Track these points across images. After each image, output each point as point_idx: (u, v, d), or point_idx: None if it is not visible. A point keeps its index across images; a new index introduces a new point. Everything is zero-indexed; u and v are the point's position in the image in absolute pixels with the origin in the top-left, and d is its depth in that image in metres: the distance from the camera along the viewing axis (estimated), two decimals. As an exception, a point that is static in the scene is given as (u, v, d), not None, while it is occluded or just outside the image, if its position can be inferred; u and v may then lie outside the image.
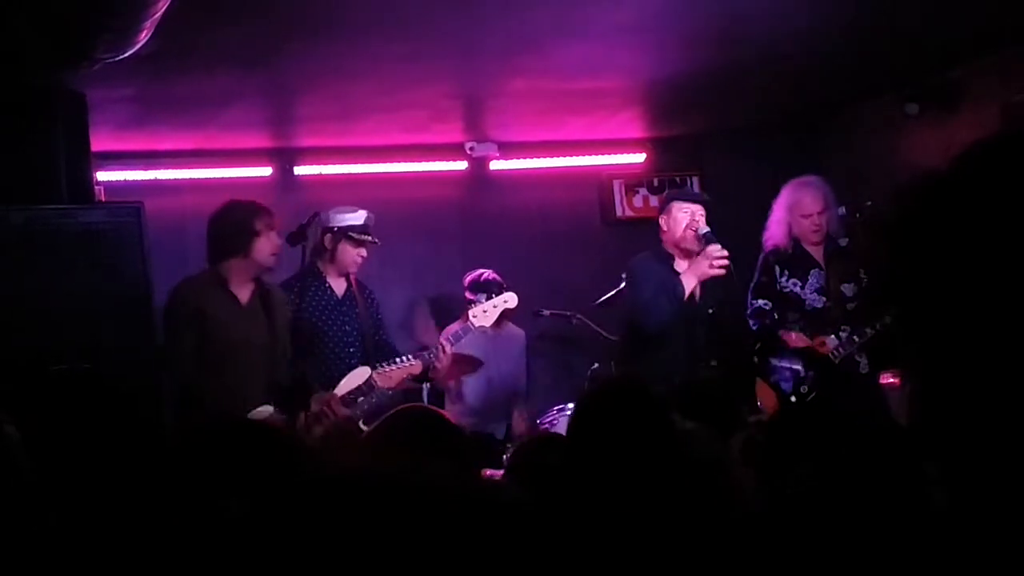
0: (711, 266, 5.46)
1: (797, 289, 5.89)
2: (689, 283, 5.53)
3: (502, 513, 0.93)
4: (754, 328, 5.95)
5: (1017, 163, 0.98)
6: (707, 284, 5.70)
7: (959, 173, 1.01)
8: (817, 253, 5.93)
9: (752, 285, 6.00)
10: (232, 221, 5.02)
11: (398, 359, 5.37)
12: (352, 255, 5.59)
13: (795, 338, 5.79)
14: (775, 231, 5.98)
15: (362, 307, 5.62)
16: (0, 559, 1.75)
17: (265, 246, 5.01)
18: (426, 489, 0.93)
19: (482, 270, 6.72)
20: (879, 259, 1.06)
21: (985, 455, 0.95)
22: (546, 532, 0.97)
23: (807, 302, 5.87)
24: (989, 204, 0.96)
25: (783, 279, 5.92)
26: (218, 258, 5.05)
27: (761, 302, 5.93)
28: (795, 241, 5.95)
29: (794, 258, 5.93)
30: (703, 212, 5.70)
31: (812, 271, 5.88)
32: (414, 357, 5.38)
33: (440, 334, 6.15)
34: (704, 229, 5.61)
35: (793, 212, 5.92)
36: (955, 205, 0.98)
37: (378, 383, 5.26)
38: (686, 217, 5.66)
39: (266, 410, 4.90)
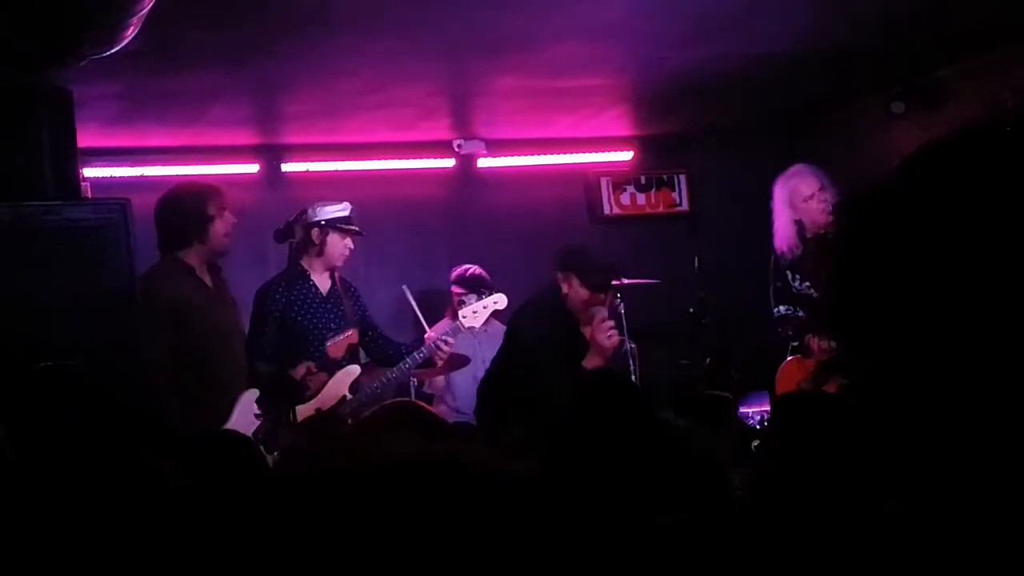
0: (608, 339, 5.04)
1: (812, 292, 5.71)
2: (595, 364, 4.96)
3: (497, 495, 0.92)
4: (783, 335, 5.82)
5: (963, 168, 0.94)
6: None
7: (902, 182, 0.97)
8: None
9: (771, 291, 5.88)
10: (185, 208, 4.92)
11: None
12: (340, 247, 5.60)
13: (815, 347, 5.59)
14: (782, 231, 5.80)
15: (348, 304, 5.63)
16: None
17: (220, 228, 4.91)
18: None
19: (468, 265, 6.72)
20: (824, 276, 1.03)
21: (932, 474, 0.94)
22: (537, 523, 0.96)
23: None
24: (934, 214, 0.92)
25: (795, 283, 5.79)
26: (175, 246, 4.94)
27: (783, 308, 5.81)
28: (803, 238, 5.76)
29: (804, 259, 5.74)
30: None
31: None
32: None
33: (427, 331, 6.14)
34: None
35: (794, 202, 5.74)
36: (899, 216, 0.94)
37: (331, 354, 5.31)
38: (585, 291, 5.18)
39: (253, 393, 4.89)
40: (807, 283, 5.75)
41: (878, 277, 0.94)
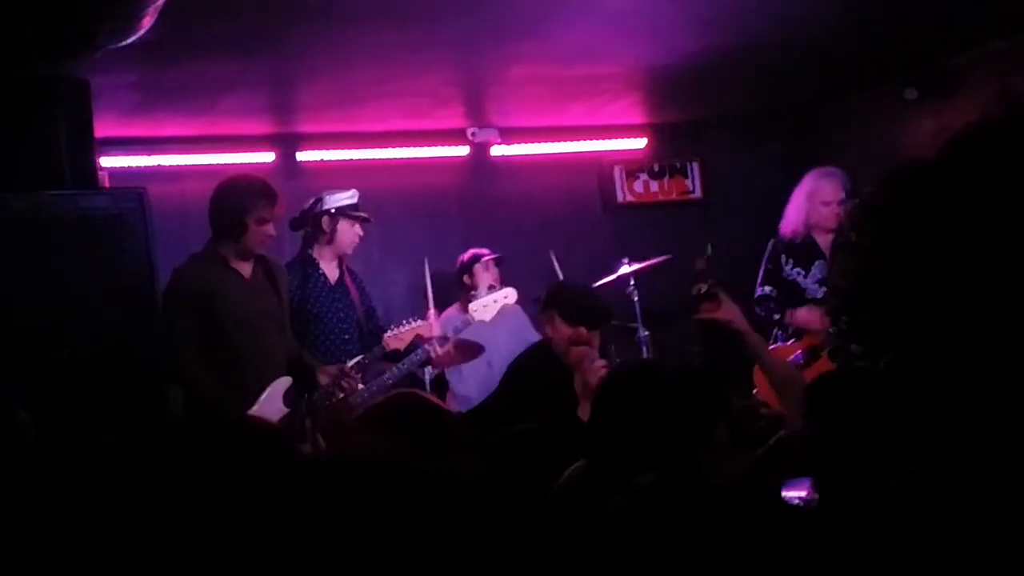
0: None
1: (800, 278, 5.94)
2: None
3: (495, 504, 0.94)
4: (761, 315, 5.95)
5: (1007, 149, 0.96)
6: None
7: (949, 160, 0.99)
8: (826, 243, 5.95)
9: (760, 272, 6.07)
10: (227, 208, 4.94)
11: (405, 321, 5.41)
12: (351, 234, 5.64)
13: (802, 316, 5.81)
14: (792, 217, 6.02)
15: (355, 293, 5.67)
16: (7, 542, 1.78)
17: (253, 239, 4.93)
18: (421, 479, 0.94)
19: (462, 255, 6.84)
20: (864, 245, 1.04)
21: (963, 447, 0.95)
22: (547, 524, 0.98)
23: (807, 291, 5.92)
24: (980, 191, 0.94)
25: (787, 267, 5.99)
26: (215, 235, 5.00)
27: (767, 289, 6.00)
28: (807, 230, 5.98)
29: (801, 247, 5.98)
30: None
31: (817, 262, 5.93)
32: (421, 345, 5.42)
33: (438, 318, 6.17)
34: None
35: (813, 199, 5.95)
36: (945, 192, 0.97)
37: (390, 345, 5.30)
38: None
39: (286, 381, 4.92)
40: (798, 268, 5.96)
41: (941, 243, 0.95)
